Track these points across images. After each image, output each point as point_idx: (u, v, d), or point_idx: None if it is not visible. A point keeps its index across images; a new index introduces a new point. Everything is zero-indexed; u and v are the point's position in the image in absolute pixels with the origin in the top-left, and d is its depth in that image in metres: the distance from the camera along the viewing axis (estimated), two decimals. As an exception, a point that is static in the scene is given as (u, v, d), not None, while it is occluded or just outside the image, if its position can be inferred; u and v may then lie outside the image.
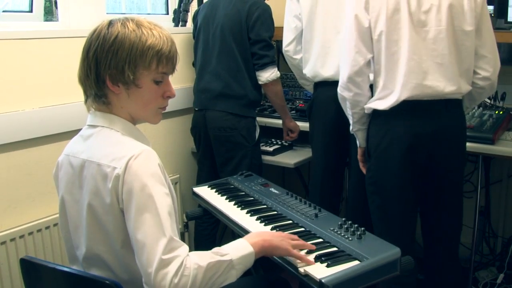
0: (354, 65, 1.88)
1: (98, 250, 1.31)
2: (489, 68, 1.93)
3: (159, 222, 1.19)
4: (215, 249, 1.27)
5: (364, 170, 2.10)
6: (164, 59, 1.30)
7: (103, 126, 1.33)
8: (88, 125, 1.38)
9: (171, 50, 1.31)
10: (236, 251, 1.28)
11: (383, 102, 1.89)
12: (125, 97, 1.32)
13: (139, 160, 1.23)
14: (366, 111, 1.97)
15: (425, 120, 1.88)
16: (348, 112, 2.02)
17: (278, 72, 2.60)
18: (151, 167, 1.24)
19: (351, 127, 2.05)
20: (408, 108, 1.86)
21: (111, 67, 1.27)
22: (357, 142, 2.09)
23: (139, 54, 1.27)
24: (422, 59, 1.83)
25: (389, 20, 1.82)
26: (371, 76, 1.96)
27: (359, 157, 2.12)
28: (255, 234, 1.40)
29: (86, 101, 1.38)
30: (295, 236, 1.47)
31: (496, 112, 2.45)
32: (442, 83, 1.84)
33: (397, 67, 1.85)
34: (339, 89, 1.97)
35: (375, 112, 1.94)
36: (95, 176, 1.27)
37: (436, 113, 1.88)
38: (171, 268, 1.15)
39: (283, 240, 1.39)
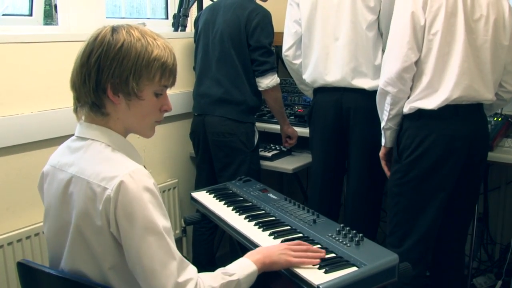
0: (405, 61, 1.91)
1: (82, 268, 1.26)
2: None
3: (166, 245, 1.18)
4: (222, 270, 1.29)
5: (386, 170, 2.11)
6: (168, 72, 1.27)
7: (93, 140, 1.27)
8: (76, 136, 1.31)
9: (174, 63, 1.28)
10: (242, 270, 1.31)
11: (429, 101, 1.91)
12: (124, 109, 1.26)
13: (133, 183, 1.17)
14: (405, 110, 1.97)
15: (464, 123, 1.93)
16: (386, 109, 2.02)
17: (278, 79, 2.60)
18: (148, 189, 1.19)
19: (383, 124, 2.05)
20: (451, 111, 1.90)
21: (115, 76, 1.22)
22: (383, 140, 2.09)
23: (145, 65, 1.22)
24: (471, 63, 1.89)
25: (446, 22, 1.87)
26: None
27: (382, 155, 2.12)
28: (255, 252, 1.41)
29: (75, 109, 1.30)
30: (298, 246, 1.45)
31: (495, 118, 2.45)
32: (482, 89, 1.92)
33: (448, 67, 1.89)
34: (382, 84, 1.98)
35: (417, 113, 1.95)
36: (84, 194, 1.21)
37: (473, 117, 1.95)
38: None
39: (281, 254, 1.40)
